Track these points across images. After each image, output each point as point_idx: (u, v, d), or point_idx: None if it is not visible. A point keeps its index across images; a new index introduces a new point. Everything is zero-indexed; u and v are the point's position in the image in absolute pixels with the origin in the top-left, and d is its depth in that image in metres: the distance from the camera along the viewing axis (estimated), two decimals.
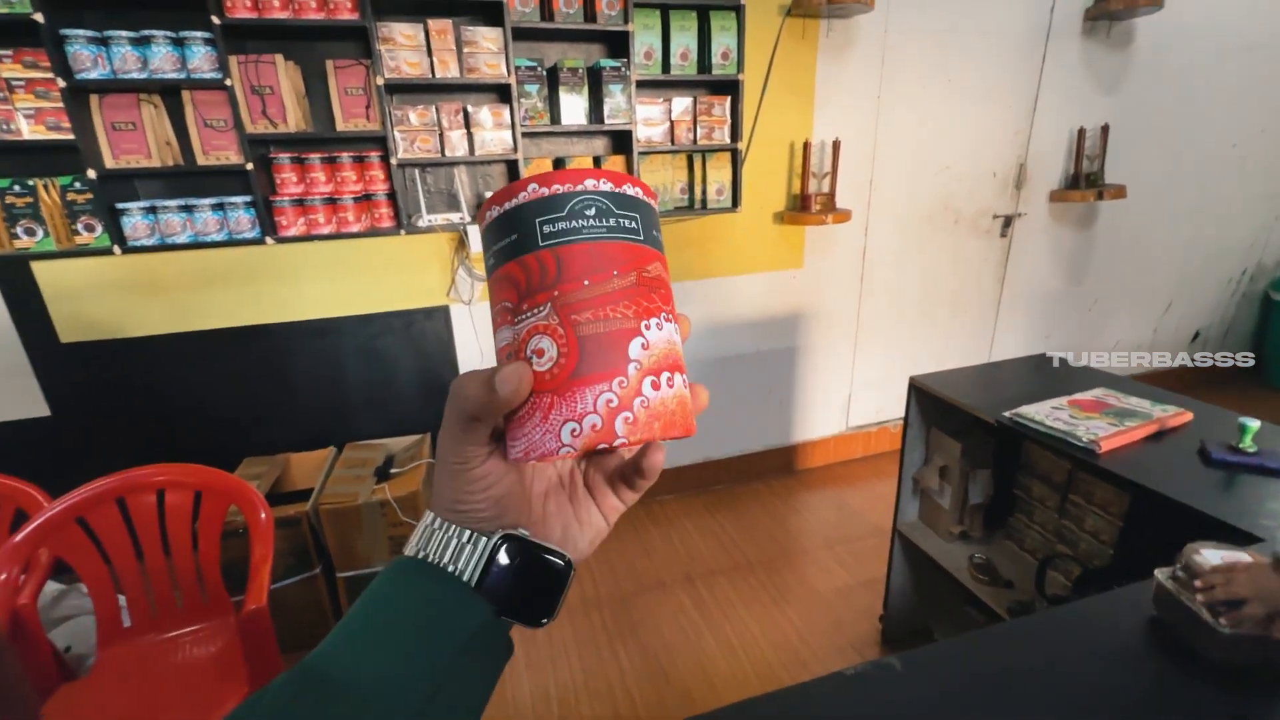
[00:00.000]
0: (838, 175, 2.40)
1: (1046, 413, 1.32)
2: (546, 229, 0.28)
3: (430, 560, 0.32)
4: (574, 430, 0.27)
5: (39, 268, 1.81)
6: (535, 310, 0.28)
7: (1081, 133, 2.75)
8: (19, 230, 1.65)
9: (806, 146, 2.35)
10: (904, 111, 2.50)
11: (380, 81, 1.75)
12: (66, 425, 1.96)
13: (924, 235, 2.73)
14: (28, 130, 1.59)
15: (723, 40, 2.04)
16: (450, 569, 0.32)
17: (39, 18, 1.50)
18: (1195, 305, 3.42)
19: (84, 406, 1.97)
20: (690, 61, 2.05)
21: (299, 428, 2.18)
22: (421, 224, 1.95)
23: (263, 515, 1.44)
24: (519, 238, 0.29)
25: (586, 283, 0.28)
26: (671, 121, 2.09)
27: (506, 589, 0.32)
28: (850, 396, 2.88)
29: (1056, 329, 3.12)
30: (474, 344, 2.26)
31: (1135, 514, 1.28)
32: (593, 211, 0.29)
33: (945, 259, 2.80)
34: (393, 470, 2.01)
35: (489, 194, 1.95)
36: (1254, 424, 1.16)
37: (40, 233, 1.67)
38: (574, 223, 0.28)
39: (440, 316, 2.21)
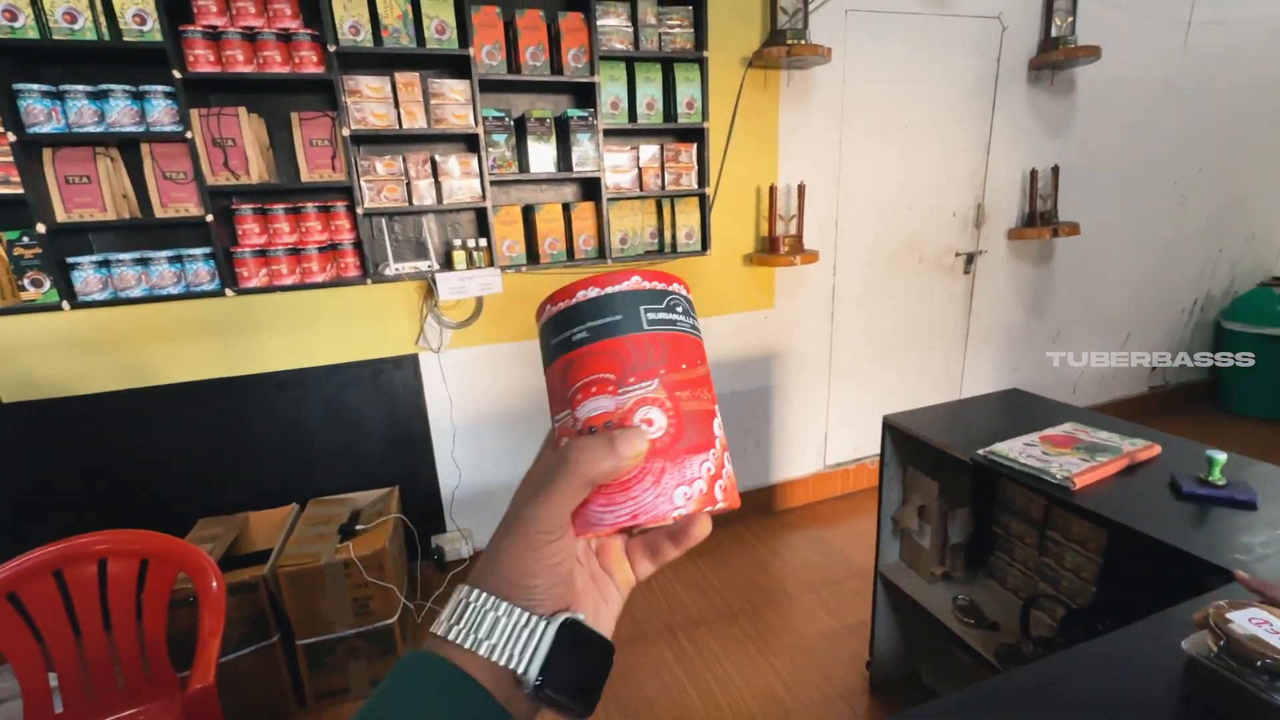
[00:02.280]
0: (804, 217, 2.45)
1: (1019, 450, 1.32)
2: (651, 316, 0.32)
3: (469, 645, 0.29)
4: (685, 494, 0.30)
5: None
6: (644, 384, 0.31)
7: (1034, 174, 2.87)
8: None
9: (772, 190, 2.40)
10: (865, 155, 2.58)
11: (346, 133, 1.75)
12: (3, 489, 1.84)
13: (890, 273, 2.79)
14: None
15: (687, 90, 2.09)
16: (500, 656, 0.29)
17: None
18: (1152, 335, 3.53)
19: (24, 469, 1.85)
20: (656, 111, 2.10)
21: (259, 484, 2.08)
22: (389, 272, 1.93)
23: (214, 584, 1.35)
24: (624, 319, 0.31)
25: (684, 366, 0.32)
26: (640, 168, 2.13)
27: (564, 680, 0.30)
28: (827, 434, 2.88)
29: (1023, 361, 3.19)
30: (443, 392, 2.21)
31: (1114, 550, 1.27)
32: (680, 309, 0.33)
33: (912, 296, 2.85)
34: (358, 527, 1.92)
35: (462, 244, 1.96)
36: (1221, 456, 1.17)
37: None
38: (671, 315, 0.33)
39: (409, 365, 2.16)
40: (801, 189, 2.42)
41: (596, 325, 0.32)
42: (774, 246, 2.42)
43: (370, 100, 1.77)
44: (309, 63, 1.69)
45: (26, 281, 1.62)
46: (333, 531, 1.89)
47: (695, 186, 2.19)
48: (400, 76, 1.78)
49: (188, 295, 1.74)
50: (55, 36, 1.51)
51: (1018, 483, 1.28)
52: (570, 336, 0.32)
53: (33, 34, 1.50)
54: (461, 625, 0.30)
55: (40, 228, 1.57)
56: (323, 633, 1.80)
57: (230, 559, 1.81)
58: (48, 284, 1.62)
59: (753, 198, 2.45)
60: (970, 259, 2.91)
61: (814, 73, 2.40)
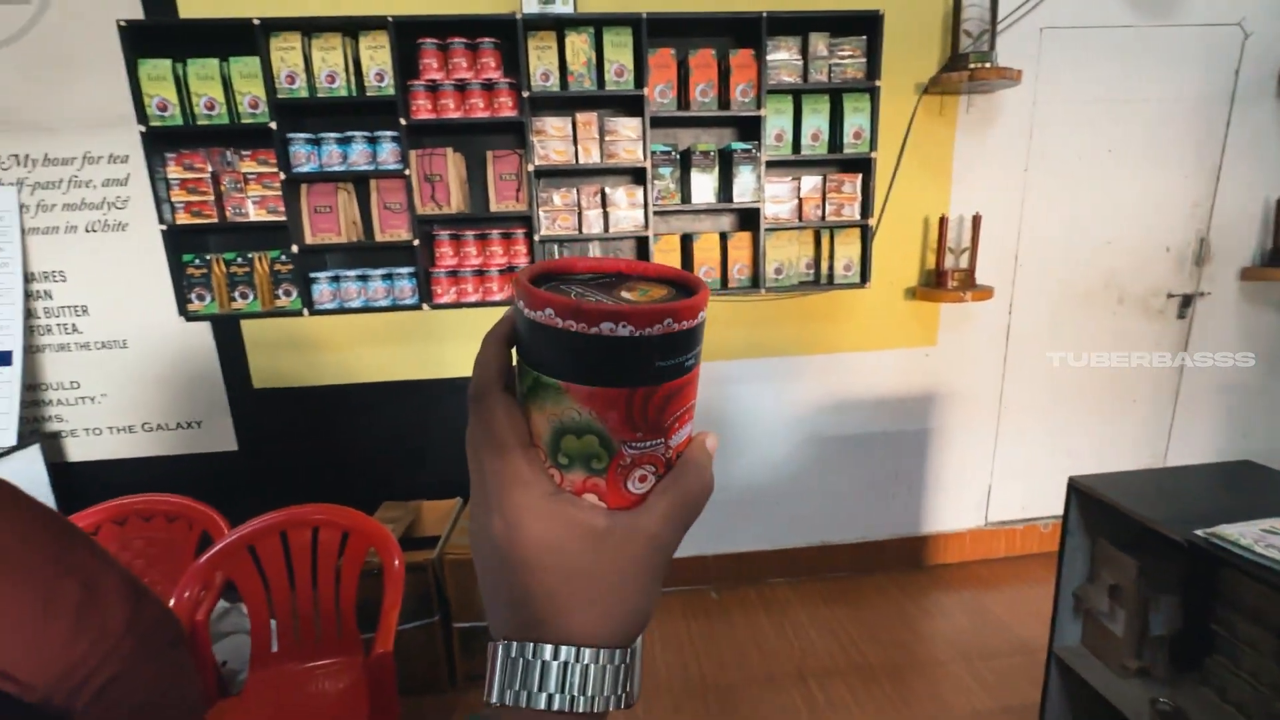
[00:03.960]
0: (978, 251, 2.26)
1: (1256, 536, 1.11)
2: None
3: (535, 707, 0.26)
4: None
5: (246, 325, 2.14)
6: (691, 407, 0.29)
7: None
8: (236, 294, 1.98)
9: (943, 222, 2.25)
10: (1056, 185, 2.34)
11: (531, 168, 1.94)
12: (248, 461, 2.25)
13: (1081, 315, 2.47)
14: (253, 214, 1.93)
15: (855, 120, 2.05)
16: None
17: (273, 125, 1.84)
18: None
19: (264, 444, 2.26)
20: (821, 142, 2.07)
21: (432, 477, 2.34)
22: None
23: (396, 562, 1.54)
24: (696, 353, 0.27)
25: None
26: (800, 199, 2.11)
27: (633, 693, 0.29)
28: (990, 488, 2.61)
29: (1256, 428, 2.65)
30: None
31: None
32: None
33: (1108, 342, 2.50)
34: None
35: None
36: None
37: (251, 296, 1.98)
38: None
39: None
40: (977, 220, 2.24)
41: (697, 351, 0.27)
42: (941, 281, 2.26)
43: (553, 138, 1.95)
44: (505, 107, 1.91)
45: (280, 291, 1.98)
46: None
47: (857, 217, 2.12)
48: (580, 116, 1.95)
49: (393, 308, 2.03)
50: (319, 95, 1.85)
51: (1252, 577, 1.07)
52: (683, 361, 0.26)
53: (304, 94, 1.85)
54: (518, 688, 0.27)
55: (294, 248, 1.93)
56: (476, 619, 1.96)
57: (405, 540, 2.05)
58: (295, 294, 1.98)
59: (919, 229, 2.31)
60: (1187, 301, 2.50)
61: (999, 97, 2.23)
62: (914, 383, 2.46)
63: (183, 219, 1.91)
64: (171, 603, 1.42)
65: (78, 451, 2.18)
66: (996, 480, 2.60)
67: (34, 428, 2.12)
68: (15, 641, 0.55)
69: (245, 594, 1.53)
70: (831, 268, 2.17)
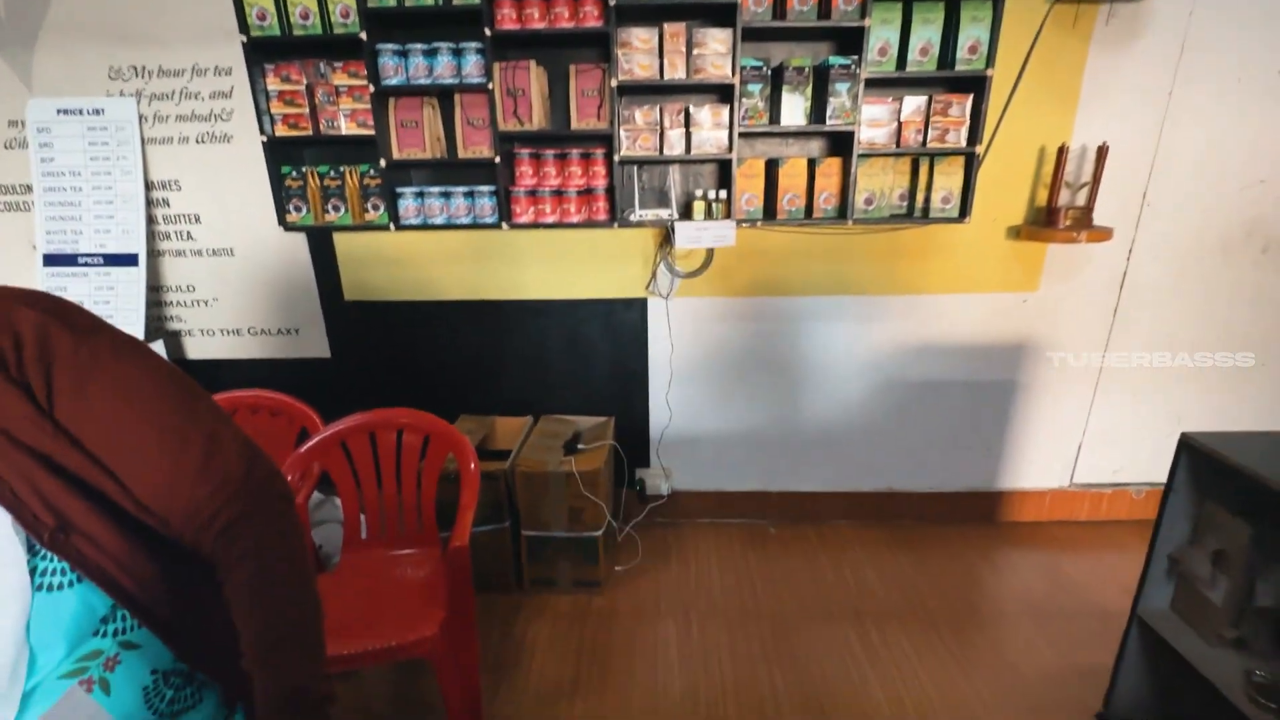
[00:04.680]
0: (1099, 187, 2.03)
1: None
2: None
3: None
4: None
5: (338, 238, 2.24)
6: None
7: None
8: (329, 207, 2.06)
9: (1062, 151, 2.02)
10: (1205, 113, 2.04)
11: (614, 83, 1.88)
12: (341, 367, 2.41)
13: (1214, 264, 2.20)
14: (345, 127, 1.97)
15: (972, 32, 1.84)
16: None
17: (363, 35, 1.85)
18: None
19: (353, 353, 2.40)
20: (930, 57, 1.89)
21: (506, 394, 2.43)
22: (633, 218, 2.06)
23: (472, 466, 1.63)
24: None
25: None
26: (900, 122, 1.95)
27: None
28: (1080, 447, 2.44)
29: None
30: (665, 337, 2.32)
31: None
32: None
33: (1242, 296, 2.23)
34: (580, 446, 2.15)
35: (703, 194, 2.03)
36: None
37: (342, 209, 2.06)
38: None
39: (638, 308, 2.31)
40: (1102, 151, 2.00)
41: None
42: (1053, 219, 2.06)
43: (638, 51, 1.87)
44: (590, 17, 1.83)
45: (369, 205, 2.05)
46: (559, 446, 2.14)
47: (963, 144, 1.94)
48: (669, 27, 1.85)
49: (474, 226, 2.06)
50: (407, 3, 1.84)
51: None
52: None
53: (392, 1, 1.84)
54: None
55: (382, 162, 1.97)
56: (542, 529, 2.07)
57: (480, 451, 2.16)
58: (382, 208, 2.04)
59: (1032, 160, 2.10)
60: None
61: (1147, 7, 1.93)
62: (1008, 330, 2.29)
63: (281, 131, 1.98)
64: None
65: (194, 350, 2.39)
66: (1088, 440, 2.43)
67: (157, 325, 2.34)
68: (152, 480, 0.61)
69: (339, 485, 1.66)
70: (928, 200, 2.02)
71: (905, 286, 2.24)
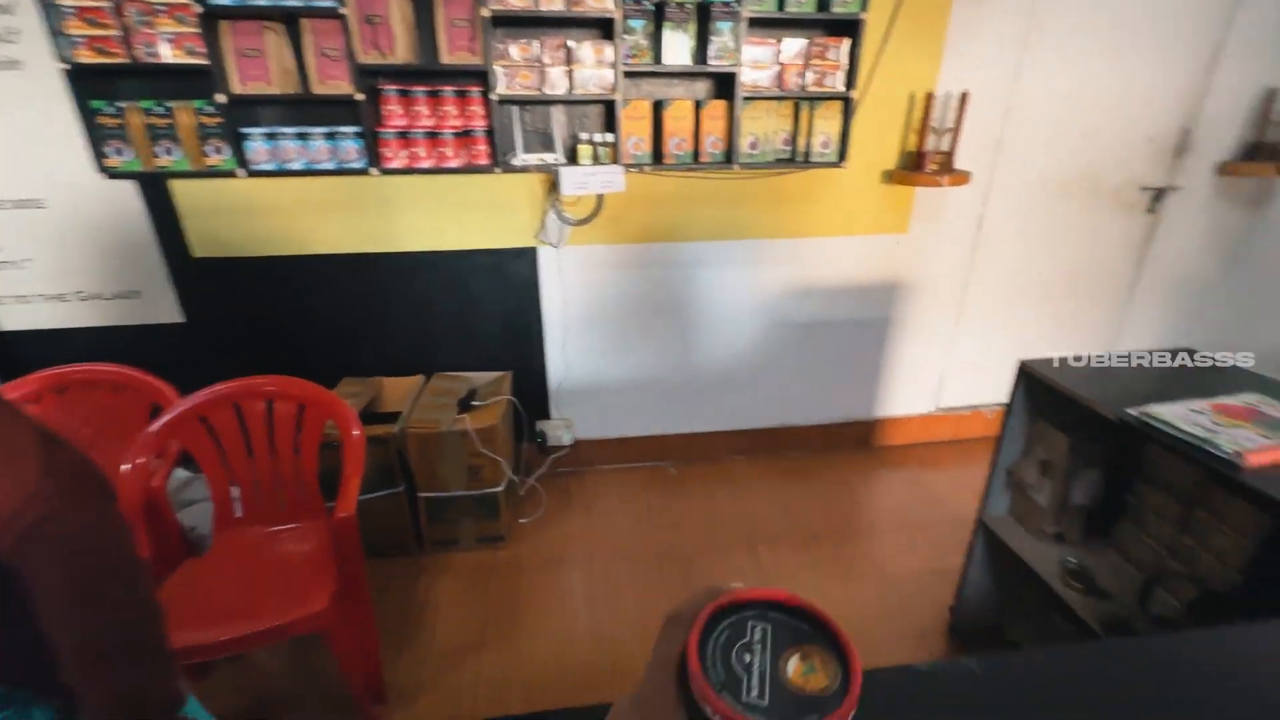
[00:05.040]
0: (961, 133, 2.17)
1: (1183, 415, 1.16)
2: None
3: None
4: None
5: (176, 185, 1.97)
6: None
7: (1273, 94, 2.33)
8: (159, 149, 1.79)
9: (929, 99, 2.13)
10: (1053, 65, 2.21)
11: (486, 13, 1.73)
12: (199, 333, 2.16)
13: (1055, 206, 2.44)
14: (169, 54, 1.70)
15: None
16: None
17: None
18: None
19: (211, 317, 2.16)
20: None
21: (392, 354, 2.30)
22: (516, 163, 1.96)
23: (355, 432, 1.54)
24: None
25: None
26: (781, 65, 1.95)
27: None
28: (944, 376, 2.70)
29: (1201, 324, 2.75)
30: (557, 287, 2.27)
31: (1276, 538, 1.12)
32: None
33: (1077, 235, 2.50)
34: (475, 403, 2.09)
35: (589, 138, 1.96)
36: None
37: (177, 153, 1.80)
38: None
39: (528, 258, 2.23)
40: (964, 98, 2.13)
41: None
42: (920, 163, 2.18)
43: None
44: None
45: (209, 148, 1.80)
46: (452, 404, 2.07)
47: (840, 88, 1.99)
48: None
49: (339, 171, 1.87)
50: None
51: (1173, 451, 1.13)
52: None
53: None
54: None
55: (220, 97, 1.73)
56: (440, 490, 2.02)
57: (366, 415, 2.05)
58: (227, 151, 1.80)
59: (904, 106, 2.19)
60: (1159, 195, 2.48)
61: None
62: (882, 270, 2.44)
63: (86, 57, 1.67)
64: (124, 468, 1.40)
65: (9, 320, 2.06)
66: (951, 369, 2.69)
67: None
68: None
69: (202, 462, 1.52)
70: (809, 144, 2.06)
71: (789, 230, 2.32)
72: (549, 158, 1.99)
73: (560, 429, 2.45)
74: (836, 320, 2.50)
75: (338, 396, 1.58)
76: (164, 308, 2.12)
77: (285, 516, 1.61)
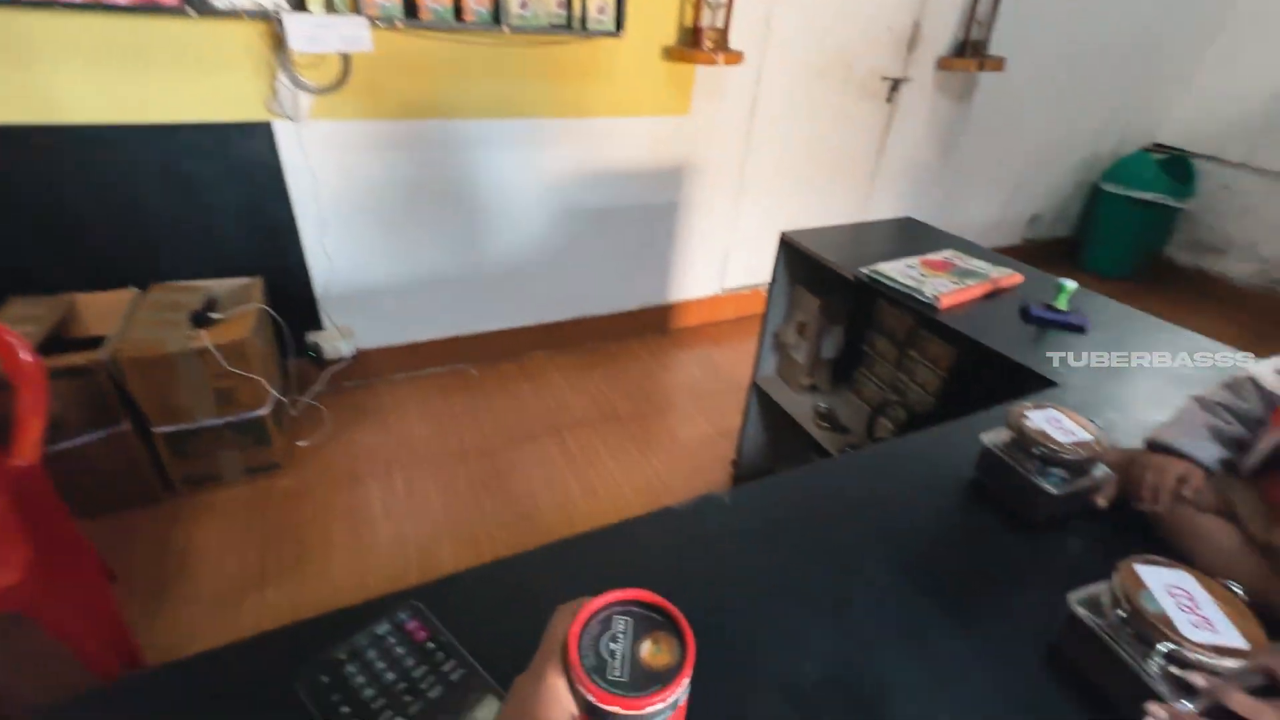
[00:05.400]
0: (733, 9, 2.17)
1: (900, 270, 1.36)
2: None
3: None
4: None
5: None
6: None
7: None
8: None
9: None
10: None
11: None
12: None
13: (816, 91, 2.63)
14: None
15: None
16: None
17: None
18: (1039, 188, 3.70)
19: None
20: None
21: (86, 264, 1.80)
22: (218, 3, 1.53)
23: (27, 358, 1.18)
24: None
25: None
26: None
27: None
28: (727, 257, 2.89)
29: (924, 200, 3.26)
30: (307, 171, 1.92)
31: (960, 367, 1.40)
32: None
33: (833, 118, 2.74)
34: (214, 315, 1.74)
35: None
36: (1070, 285, 1.26)
37: None
38: None
39: (262, 135, 1.83)
40: None
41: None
42: (697, 39, 2.16)
43: None
44: None
45: None
46: (183, 319, 1.70)
47: None
48: None
49: None
50: None
51: (892, 301, 1.33)
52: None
53: None
54: None
55: None
56: (183, 421, 1.70)
57: (58, 342, 1.61)
58: None
59: None
60: (895, 85, 2.79)
61: None
62: (666, 153, 2.46)
63: None
64: None
65: None
66: (733, 250, 2.88)
67: None
68: None
69: None
70: (585, 9, 1.91)
71: (571, 109, 2.19)
72: (265, 0, 1.59)
73: (336, 339, 2.18)
74: (626, 205, 2.49)
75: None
76: None
77: None
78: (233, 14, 1.56)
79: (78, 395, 1.53)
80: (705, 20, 2.17)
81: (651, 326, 2.86)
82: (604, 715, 0.36)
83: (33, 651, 1.40)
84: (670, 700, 0.36)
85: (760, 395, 1.87)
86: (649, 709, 0.36)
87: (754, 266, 2.98)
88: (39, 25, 1.50)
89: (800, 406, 1.73)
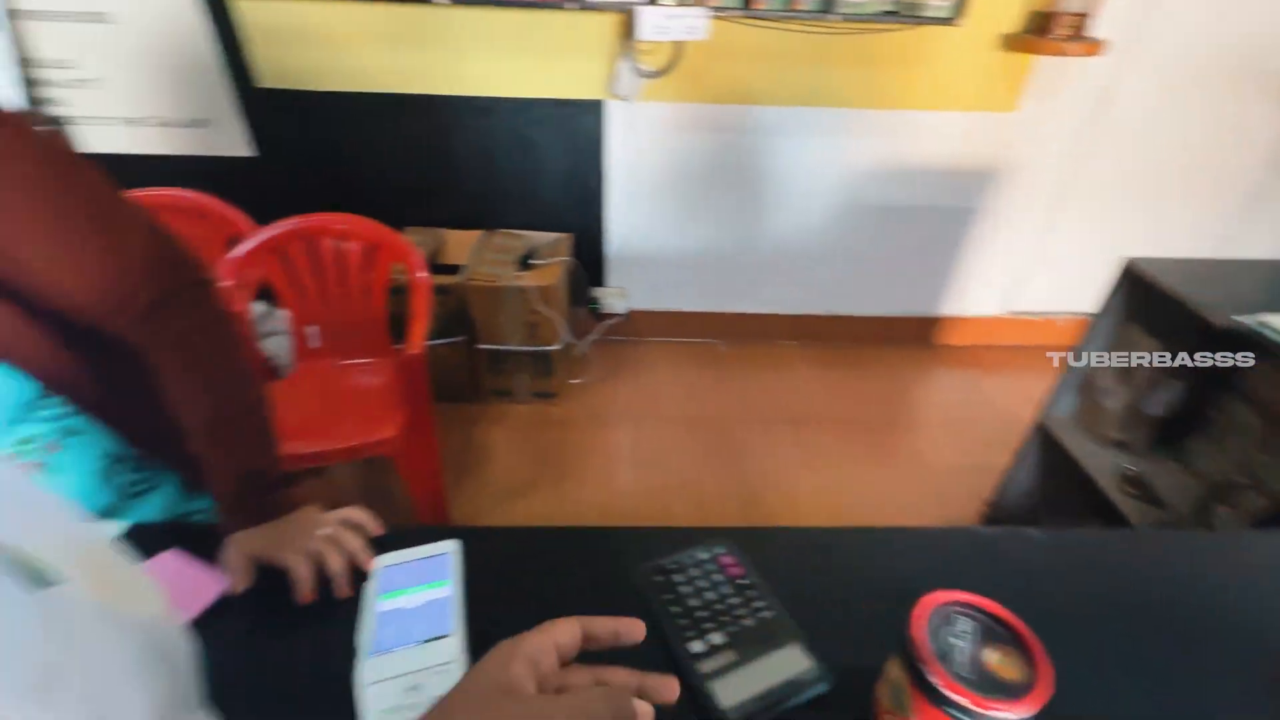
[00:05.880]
0: None
1: None
2: None
3: None
4: None
5: (241, 3, 1.88)
6: None
7: None
8: None
9: None
10: None
11: None
12: (267, 168, 2.18)
13: (1195, 90, 2.12)
14: None
15: None
16: None
17: None
18: None
19: (280, 152, 2.16)
20: None
21: (453, 206, 2.28)
22: None
23: (422, 274, 1.57)
24: None
25: None
26: None
27: None
28: (1024, 276, 2.54)
29: None
30: (625, 146, 2.16)
31: None
32: None
33: (1212, 125, 2.19)
34: (534, 261, 2.09)
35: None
36: None
37: None
38: None
39: (595, 112, 2.11)
40: None
41: None
42: (1048, 26, 1.90)
43: None
44: None
45: None
46: (512, 261, 2.07)
47: None
48: None
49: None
50: None
51: (1277, 363, 1.05)
52: None
53: None
54: None
55: None
56: (498, 343, 2.09)
57: (431, 266, 2.08)
58: None
59: None
60: None
61: None
62: (977, 153, 2.23)
63: None
64: None
65: (95, 142, 2.10)
66: (1034, 269, 2.52)
67: (37, 108, 2.01)
68: (55, 266, 0.55)
69: (281, 293, 1.59)
70: None
71: (881, 99, 2.10)
72: None
73: (615, 297, 2.46)
74: (916, 205, 2.33)
75: (406, 239, 1.59)
76: (234, 139, 2.12)
77: (358, 352, 1.69)
78: (598, 6, 1.80)
79: (440, 309, 1.98)
80: (1064, 3, 1.89)
81: (914, 337, 2.67)
82: (945, 701, 0.38)
83: (384, 488, 1.88)
84: (1017, 717, 0.36)
85: (1044, 438, 1.64)
86: (993, 713, 0.37)
87: (1058, 291, 2.57)
88: (461, 18, 1.92)
89: (1099, 461, 1.48)
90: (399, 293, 1.76)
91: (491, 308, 2.01)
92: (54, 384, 0.59)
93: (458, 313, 2.01)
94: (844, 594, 0.59)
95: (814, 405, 2.31)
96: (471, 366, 2.15)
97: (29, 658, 0.26)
